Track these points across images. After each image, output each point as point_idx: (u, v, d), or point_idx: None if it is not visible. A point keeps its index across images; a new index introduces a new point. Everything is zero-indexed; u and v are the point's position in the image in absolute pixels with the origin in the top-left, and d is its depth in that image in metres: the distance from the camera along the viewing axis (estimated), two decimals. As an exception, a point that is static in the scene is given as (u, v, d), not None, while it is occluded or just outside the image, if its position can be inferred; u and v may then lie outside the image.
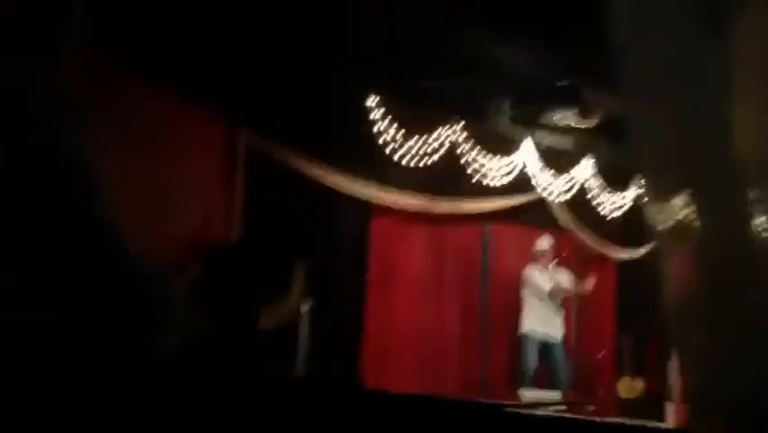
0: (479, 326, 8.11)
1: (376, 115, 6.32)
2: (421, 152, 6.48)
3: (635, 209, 7.99)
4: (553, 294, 7.71)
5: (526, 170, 7.01)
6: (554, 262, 7.82)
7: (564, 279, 7.88)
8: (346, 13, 5.71)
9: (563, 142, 7.26)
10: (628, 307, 9.55)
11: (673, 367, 9.57)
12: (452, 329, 7.95)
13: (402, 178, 7.33)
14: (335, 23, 5.83)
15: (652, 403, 8.72)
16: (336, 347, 6.80)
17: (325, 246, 6.95)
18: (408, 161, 6.49)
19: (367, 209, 7.30)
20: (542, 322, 7.69)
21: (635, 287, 9.60)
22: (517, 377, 7.74)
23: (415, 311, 7.73)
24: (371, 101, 6.31)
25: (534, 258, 7.86)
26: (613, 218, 7.93)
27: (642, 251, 9.35)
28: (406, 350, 7.61)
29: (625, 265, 9.42)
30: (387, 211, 7.45)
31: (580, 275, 8.07)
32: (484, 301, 8.20)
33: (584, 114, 6.60)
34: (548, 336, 7.68)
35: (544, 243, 7.88)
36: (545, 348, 7.67)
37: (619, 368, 9.17)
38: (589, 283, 7.90)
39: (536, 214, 8.25)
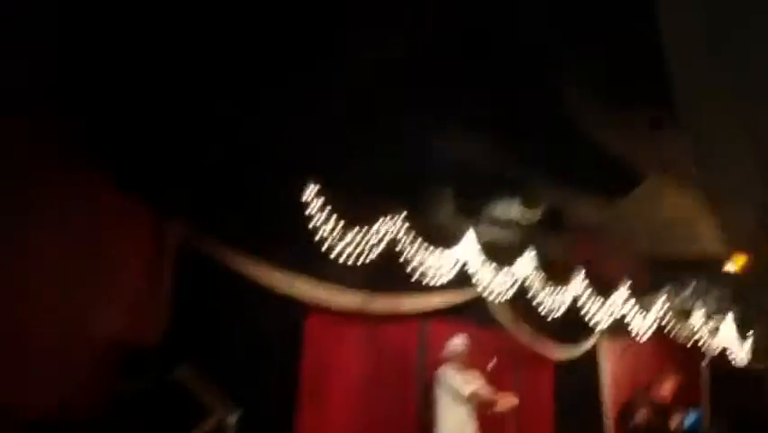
0: (416, 429, 7.71)
1: (313, 208, 6.02)
2: (359, 248, 6.17)
3: (574, 307, 7.83)
4: (471, 398, 7.20)
5: (467, 265, 6.77)
6: (465, 364, 7.34)
7: (479, 382, 7.38)
8: (280, 101, 5.50)
9: (505, 237, 7.09)
10: (567, 407, 9.34)
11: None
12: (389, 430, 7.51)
13: (339, 274, 7.01)
14: (270, 112, 5.61)
15: None
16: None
17: (256, 349, 6.51)
18: (346, 257, 6.16)
19: (301, 308, 6.90)
20: (458, 429, 7.18)
21: (573, 387, 9.44)
22: None
23: (349, 417, 7.27)
24: (308, 194, 6.01)
25: (448, 358, 7.39)
26: (552, 316, 7.73)
27: (581, 350, 9.24)
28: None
29: (563, 366, 9.24)
30: (322, 310, 7.07)
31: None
32: (422, 403, 7.82)
33: (528, 207, 6.47)
34: None
35: (459, 342, 7.43)
36: None
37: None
38: (512, 401, 7.44)
39: (476, 311, 8.02)
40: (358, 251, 6.13)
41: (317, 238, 6.05)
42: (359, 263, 6.20)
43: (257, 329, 6.48)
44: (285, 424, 6.66)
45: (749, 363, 9.84)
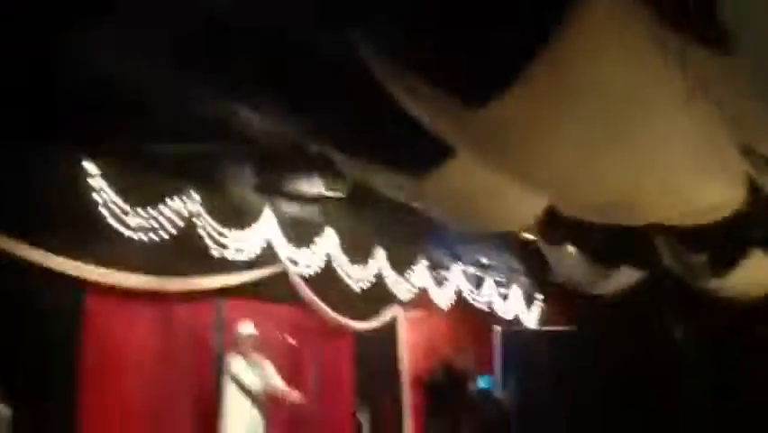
0: (214, 411, 7.37)
1: (96, 183, 5.42)
2: (150, 225, 5.66)
3: (375, 282, 7.77)
4: (263, 395, 6.90)
5: (268, 242, 6.45)
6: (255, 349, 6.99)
7: (269, 370, 7.06)
8: (59, 69, 4.87)
9: (308, 213, 6.83)
10: (366, 379, 9.37)
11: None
12: (185, 418, 7.10)
13: (127, 253, 6.48)
14: (47, 79, 4.96)
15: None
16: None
17: (34, 335, 5.92)
18: (135, 235, 5.63)
19: (82, 290, 6.30)
20: (245, 423, 6.84)
21: (371, 359, 9.49)
22: None
23: (139, 400, 6.78)
24: (90, 169, 5.41)
25: (236, 345, 7.01)
26: (353, 291, 7.62)
27: (377, 323, 9.27)
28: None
29: (362, 337, 9.24)
30: (106, 291, 6.50)
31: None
32: (221, 383, 7.48)
33: (332, 182, 6.23)
34: None
35: (249, 328, 7.05)
36: None
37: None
38: (297, 396, 7.10)
39: (274, 287, 7.75)
40: (148, 230, 5.62)
41: (101, 214, 5.47)
42: (149, 242, 5.68)
43: (36, 314, 5.89)
44: (66, 410, 6.10)
45: (538, 327, 10.33)
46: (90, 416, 6.30)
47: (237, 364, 6.84)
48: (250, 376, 6.81)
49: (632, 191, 5.87)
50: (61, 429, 6.01)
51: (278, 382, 6.95)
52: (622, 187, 5.77)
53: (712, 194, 6.04)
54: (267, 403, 6.89)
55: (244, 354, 6.89)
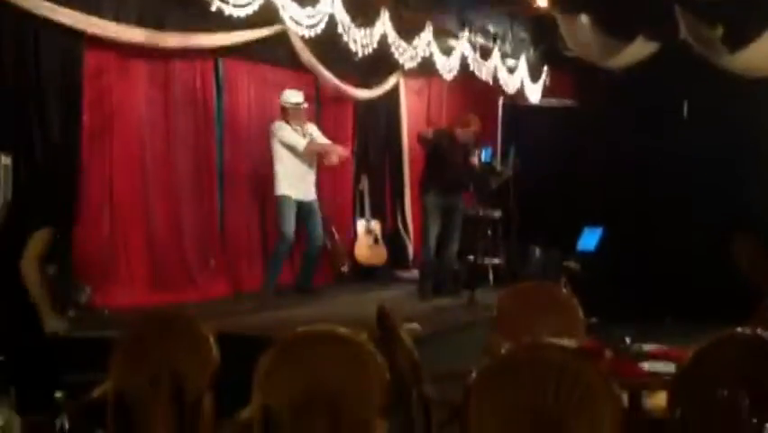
0: (216, 172, 7.38)
1: None
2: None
3: (379, 47, 7.46)
4: (308, 152, 7.08)
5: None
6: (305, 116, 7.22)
7: (316, 133, 7.31)
8: None
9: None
10: (365, 147, 9.35)
11: (408, 209, 9.71)
12: (187, 180, 7.11)
13: (122, 4, 6.16)
14: None
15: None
16: (46, 203, 5.76)
17: (30, 87, 5.75)
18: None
19: (78, 43, 6.05)
20: (297, 183, 7.05)
21: (372, 127, 9.41)
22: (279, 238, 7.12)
23: (141, 162, 6.75)
24: None
25: (283, 111, 7.07)
26: (355, 57, 7.34)
27: (379, 91, 9.08)
28: (133, 206, 6.66)
29: (362, 105, 9.10)
30: (104, 45, 6.25)
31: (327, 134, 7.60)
32: (221, 148, 7.43)
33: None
34: (305, 197, 7.13)
35: (297, 97, 7.11)
36: (303, 208, 7.11)
37: (359, 210, 9.05)
38: (345, 150, 7.58)
39: (274, 49, 7.49)
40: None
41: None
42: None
43: (30, 66, 5.71)
44: (69, 165, 6.08)
45: (541, 101, 10.17)
46: (91, 166, 6.30)
47: (285, 128, 7.00)
48: (297, 137, 7.02)
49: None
50: (62, 180, 6.01)
51: (324, 140, 7.31)
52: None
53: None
54: (316, 158, 7.26)
55: (292, 120, 7.03)
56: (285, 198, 7.00)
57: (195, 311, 5.23)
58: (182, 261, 6.99)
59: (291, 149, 7.00)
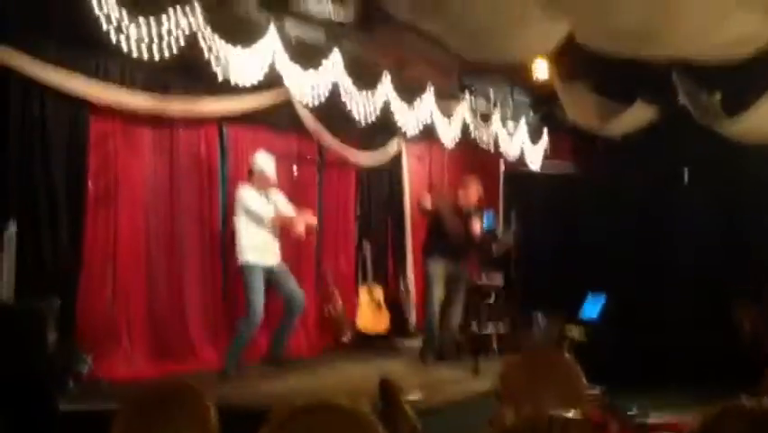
0: (219, 238, 7.35)
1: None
2: (150, 39, 5.36)
3: (382, 112, 7.57)
4: (274, 223, 6.72)
5: (273, 65, 6.19)
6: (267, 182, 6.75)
7: (282, 202, 6.89)
8: None
9: (315, 36, 6.52)
10: (368, 213, 9.37)
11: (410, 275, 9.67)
12: (190, 247, 7.08)
13: (128, 72, 6.25)
14: None
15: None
16: (49, 275, 5.77)
17: (35, 153, 5.80)
18: (135, 51, 5.35)
19: (84, 109, 6.12)
20: (261, 251, 6.65)
21: (373, 192, 9.44)
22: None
23: (144, 229, 6.74)
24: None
25: (251, 177, 6.74)
26: (357, 121, 7.43)
27: (382, 156, 9.15)
28: (136, 274, 6.63)
29: (365, 170, 9.15)
30: (109, 112, 6.32)
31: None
32: (225, 215, 7.42)
33: (340, 3, 5.88)
34: (270, 264, 6.72)
35: (267, 164, 6.73)
36: (271, 276, 6.74)
37: (362, 275, 9.02)
38: (312, 217, 7.00)
39: (277, 116, 7.57)
40: (149, 45, 5.33)
41: (100, 27, 5.18)
42: (150, 60, 5.42)
43: (36, 133, 5.78)
44: (72, 233, 6.09)
45: (542, 167, 10.23)
46: (94, 234, 6.30)
47: (248, 195, 6.64)
48: (261, 205, 6.67)
49: (654, 19, 5.61)
50: (65, 249, 6.02)
51: (289, 211, 6.84)
52: (644, 13, 5.51)
53: (741, 25, 5.80)
54: (279, 229, 6.79)
55: (258, 185, 6.69)
56: (250, 266, 6.60)
57: (196, 382, 5.16)
58: (184, 330, 6.90)
59: (255, 217, 6.66)
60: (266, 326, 6.94)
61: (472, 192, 7.65)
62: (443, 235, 7.47)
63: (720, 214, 9.10)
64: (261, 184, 6.68)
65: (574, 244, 9.71)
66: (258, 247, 6.61)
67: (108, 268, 6.37)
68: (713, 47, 5.90)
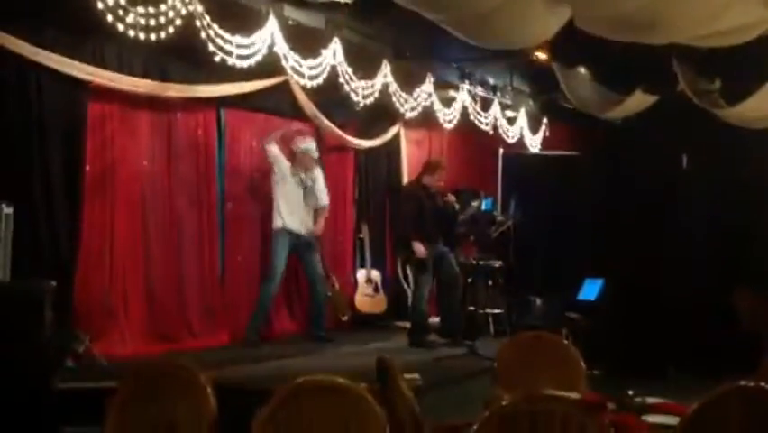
0: (217, 221, 7.37)
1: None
2: (150, 24, 5.34)
3: (381, 97, 7.55)
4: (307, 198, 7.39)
5: (272, 49, 6.16)
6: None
7: (319, 182, 7.53)
8: None
9: (314, 20, 6.49)
10: (366, 196, 9.36)
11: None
12: (188, 229, 7.10)
13: (126, 55, 6.23)
14: None
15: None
16: (47, 256, 5.77)
17: (32, 136, 5.79)
18: (134, 34, 5.33)
19: (82, 92, 6.11)
20: (294, 218, 7.27)
21: (371, 176, 9.43)
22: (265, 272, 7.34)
23: (142, 211, 6.76)
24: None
25: (292, 156, 7.37)
26: (356, 106, 7.42)
27: (380, 140, 9.14)
28: (133, 255, 6.65)
29: (363, 155, 9.14)
30: (107, 95, 6.31)
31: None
32: (222, 197, 7.45)
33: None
34: (301, 232, 7.33)
35: (309, 145, 7.42)
36: (299, 243, 7.31)
37: (359, 259, 9.04)
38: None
39: (275, 100, 7.55)
40: (147, 29, 5.31)
41: (99, 10, 5.16)
42: (148, 43, 5.40)
43: (34, 116, 5.76)
44: (70, 215, 6.09)
45: (541, 151, 10.24)
46: (92, 216, 6.30)
47: (288, 169, 7.27)
48: (298, 181, 7.30)
49: (656, 5, 5.58)
50: (63, 231, 6.01)
51: (322, 195, 7.54)
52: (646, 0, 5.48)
53: (743, 12, 5.76)
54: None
55: (298, 165, 7.32)
56: (276, 231, 7.23)
57: (193, 360, 5.18)
58: (182, 309, 6.95)
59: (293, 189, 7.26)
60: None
61: (439, 176, 7.67)
62: (423, 220, 7.50)
63: (719, 199, 9.09)
64: (304, 164, 7.31)
65: (573, 227, 9.72)
66: (291, 213, 7.24)
67: (106, 249, 6.39)
68: (714, 35, 5.86)
